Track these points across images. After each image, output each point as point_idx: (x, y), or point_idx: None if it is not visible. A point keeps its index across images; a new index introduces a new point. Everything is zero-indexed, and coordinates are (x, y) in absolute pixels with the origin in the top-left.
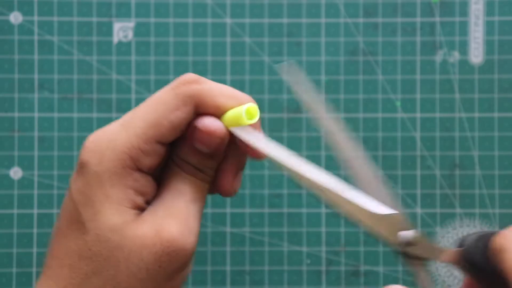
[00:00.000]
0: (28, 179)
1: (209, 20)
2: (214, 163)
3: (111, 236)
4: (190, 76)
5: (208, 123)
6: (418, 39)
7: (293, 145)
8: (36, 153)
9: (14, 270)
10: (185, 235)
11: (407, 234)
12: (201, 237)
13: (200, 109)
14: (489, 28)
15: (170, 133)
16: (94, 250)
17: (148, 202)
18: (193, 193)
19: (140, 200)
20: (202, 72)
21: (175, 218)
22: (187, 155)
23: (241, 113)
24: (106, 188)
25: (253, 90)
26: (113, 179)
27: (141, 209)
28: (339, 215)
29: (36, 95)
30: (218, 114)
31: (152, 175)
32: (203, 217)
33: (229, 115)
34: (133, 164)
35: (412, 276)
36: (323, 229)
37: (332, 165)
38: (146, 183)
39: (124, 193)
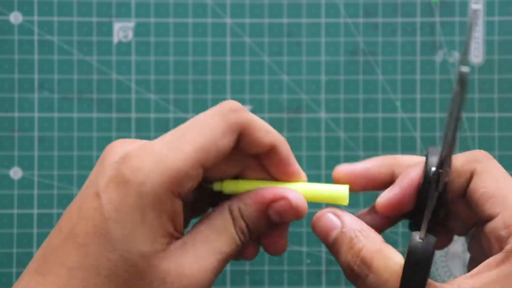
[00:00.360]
0: (28, 179)
1: (209, 20)
2: (268, 231)
3: (139, 263)
4: (235, 104)
5: (300, 200)
6: (418, 39)
7: (293, 145)
8: (36, 153)
9: (14, 270)
10: (204, 286)
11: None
12: None
13: (242, 139)
14: (489, 28)
15: (215, 159)
16: (114, 270)
17: (177, 229)
18: (227, 252)
19: (171, 228)
20: (202, 72)
21: (200, 271)
22: (250, 215)
23: (342, 195)
24: (145, 212)
25: (253, 90)
26: (154, 204)
27: (169, 237)
28: None
29: (36, 95)
30: (253, 149)
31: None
32: None
33: (316, 193)
34: (176, 189)
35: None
36: None
37: (332, 165)
38: (180, 210)
39: (160, 220)
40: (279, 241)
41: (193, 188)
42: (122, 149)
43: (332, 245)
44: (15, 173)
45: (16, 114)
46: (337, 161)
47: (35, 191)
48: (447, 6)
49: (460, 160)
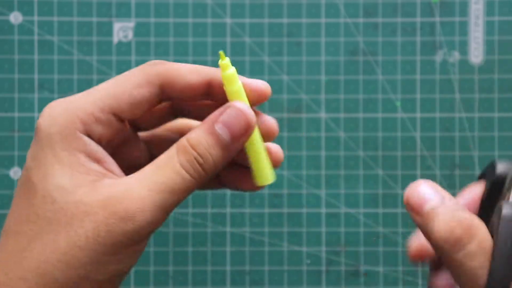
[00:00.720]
0: None
1: (209, 20)
2: (225, 159)
3: (57, 197)
4: (159, 61)
5: (245, 106)
6: (418, 39)
7: (293, 145)
8: None
9: None
10: (131, 211)
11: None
12: (201, 237)
13: (167, 90)
14: (489, 28)
15: (128, 108)
16: (39, 213)
17: (111, 170)
18: (173, 187)
19: (95, 166)
20: None
21: (129, 197)
22: (199, 142)
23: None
24: (56, 150)
25: None
26: (63, 142)
27: (95, 175)
28: (338, 216)
29: (36, 95)
30: (187, 93)
31: (107, 147)
32: (203, 217)
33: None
34: (83, 129)
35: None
36: (323, 229)
37: (332, 165)
38: (99, 151)
39: (76, 157)
40: (243, 179)
41: (109, 134)
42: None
43: (428, 213)
44: (15, 173)
45: (16, 114)
46: (337, 161)
47: None
48: (447, 6)
49: None
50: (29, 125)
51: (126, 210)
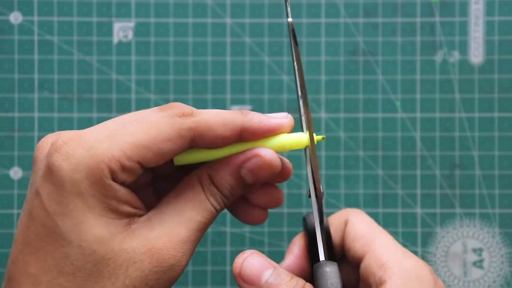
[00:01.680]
0: (28, 179)
1: (209, 20)
2: (244, 194)
3: (96, 248)
4: (185, 108)
5: (272, 154)
6: (418, 39)
7: None
8: None
9: None
10: (180, 260)
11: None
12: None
13: (196, 142)
14: (489, 28)
15: (154, 159)
16: (76, 265)
17: (138, 207)
18: (201, 220)
19: (127, 209)
20: (202, 72)
21: (174, 243)
22: (222, 180)
23: (302, 138)
24: (86, 197)
25: (253, 90)
26: (92, 189)
27: (128, 217)
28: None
29: (36, 95)
30: (217, 144)
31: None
32: None
33: (283, 143)
34: (110, 175)
35: None
36: None
37: (332, 165)
38: (125, 192)
39: (106, 203)
40: (274, 194)
41: (131, 180)
42: (51, 140)
43: (267, 286)
44: (15, 173)
45: (16, 114)
46: (337, 161)
47: None
48: (447, 6)
49: (335, 216)
50: (29, 125)
51: (174, 256)
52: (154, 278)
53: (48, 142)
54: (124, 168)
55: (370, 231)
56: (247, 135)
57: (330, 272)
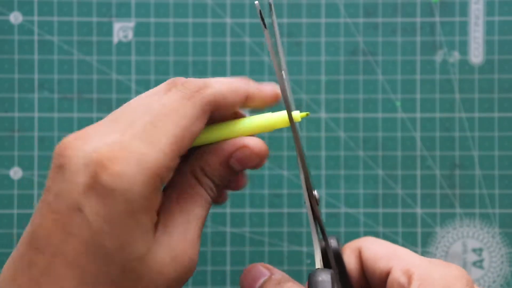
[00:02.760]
0: (28, 179)
1: (209, 20)
2: (231, 179)
3: (136, 266)
4: (196, 82)
5: (261, 145)
6: (418, 39)
7: (293, 145)
8: (36, 153)
9: None
10: (195, 260)
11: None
12: (201, 237)
13: (214, 114)
14: (489, 28)
15: (189, 145)
16: (115, 281)
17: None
18: (204, 214)
19: (155, 218)
20: (202, 72)
21: (189, 245)
22: (214, 171)
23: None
24: (136, 215)
25: None
26: (144, 205)
27: (155, 227)
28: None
29: (36, 95)
30: (228, 112)
31: None
32: None
33: (264, 121)
34: (159, 184)
35: None
36: None
37: (332, 165)
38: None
39: (152, 218)
40: (241, 181)
41: (171, 175)
42: (81, 148)
43: None
44: (15, 173)
45: (16, 114)
46: (337, 161)
47: (35, 191)
48: (447, 6)
49: (348, 244)
50: (29, 125)
51: (192, 259)
52: (176, 284)
53: (74, 147)
54: (170, 170)
55: (390, 249)
56: (250, 102)
57: (322, 282)
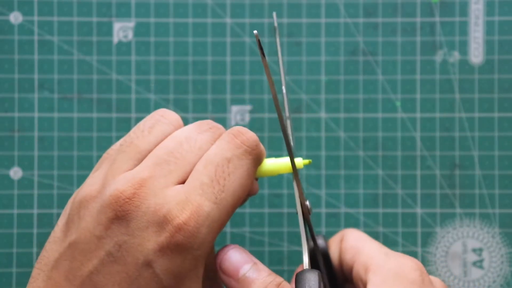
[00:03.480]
0: (28, 179)
1: (209, 20)
2: None
3: None
4: (254, 137)
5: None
6: (418, 39)
7: (293, 145)
8: (36, 153)
9: (14, 270)
10: None
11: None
12: None
13: None
14: (489, 28)
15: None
16: None
17: None
18: None
19: None
20: (202, 72)
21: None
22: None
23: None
24: (199, 270)
25: (253, 90)
26: (205, 259)
27: None
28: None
29: (36, 95)
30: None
31: None
32: None
33: (273, 167)
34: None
35: None
36: (323, 229)
37: (332, 165)
38: None
39: (205, 269)
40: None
41: None
42: (146, 203)
43: (244, 279)
44: (15, 173)
45: (16, 114)
46: (337, 161)
47: (35, 191)
48: (447, 6)
49: (333, 238)
50: (29, 125)
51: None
52: None
53: (138, 203)
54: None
55: (358, 242)
56: None
57: (309, 280)
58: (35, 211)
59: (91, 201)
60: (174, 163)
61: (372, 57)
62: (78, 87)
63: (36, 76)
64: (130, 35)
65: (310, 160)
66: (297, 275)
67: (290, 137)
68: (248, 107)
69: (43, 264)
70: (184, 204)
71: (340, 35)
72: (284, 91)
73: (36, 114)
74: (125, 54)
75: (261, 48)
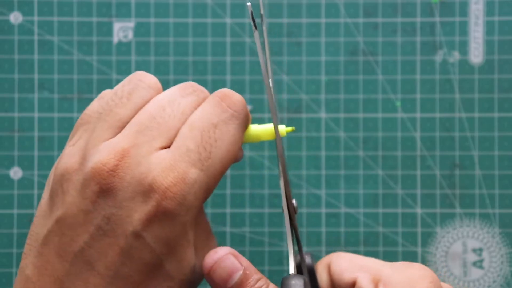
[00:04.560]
0: (28, 179)
1: (209, 20)
2: None
3: (191, 277)
4: (239, 98)
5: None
6: (418, 39)
7: (293, 145)
8: (36, 153)
9: (14, 270)
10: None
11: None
12: None
13: None
14: (489, 28)
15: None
16: None
17: None
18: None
19: None
20: (202, 72)
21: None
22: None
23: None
24: (189, 235)
25: (253, 90)
26: (194, 225)
27: None
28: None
29: (36, 95)
30: None
31: None
32: None
33: (260, 132)
34: (204, 202)
35: None
36: (323, 229)
37: (332, 165)
38: None
39: (196, 233)
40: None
41: None
42: (131, 173)
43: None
44: (15, 173)
45: (16, 114)
46: (337, 161)
47: (35, 191)
48: (447, 6)
49: (320, 261)
50: (29, 125)
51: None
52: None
53: (123, 174)
54: (211, 191)
55: (354, 262)
56: None
57: (295, 285)
58: (35, 211)
59: (74, 174)
60: (157, 128)
61: (372, 57)
62: (78, 87)
63: (36, 76)
64: (130, 35)
65: (294, 127)
66: (283, 280)
67: (274, 102)
68: (248, 108)
69: (33, 240)
70: (169, 171)
71: (340, 35)
72: (267, 55)
73: (36, 114)
74: (125, 54)
75: (253, 20)
